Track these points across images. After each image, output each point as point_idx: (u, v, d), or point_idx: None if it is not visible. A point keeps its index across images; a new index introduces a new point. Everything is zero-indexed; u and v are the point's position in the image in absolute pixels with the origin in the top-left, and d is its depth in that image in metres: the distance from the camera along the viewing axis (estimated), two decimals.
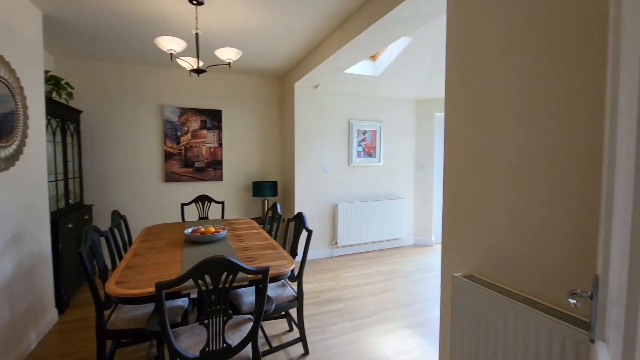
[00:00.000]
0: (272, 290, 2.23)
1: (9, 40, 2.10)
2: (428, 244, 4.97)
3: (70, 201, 3.28)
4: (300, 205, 4.20)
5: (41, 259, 2.46)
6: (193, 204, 4.11)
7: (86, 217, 3.43)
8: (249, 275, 1.67)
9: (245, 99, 4.44)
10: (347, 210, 4.39)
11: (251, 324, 1.70)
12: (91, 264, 1.84)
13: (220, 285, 1.41)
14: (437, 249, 4.79)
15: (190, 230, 2.39)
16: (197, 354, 1.45)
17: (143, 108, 3.96)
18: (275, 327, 2.58)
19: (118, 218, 2.54)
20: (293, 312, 2.73)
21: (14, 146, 2.11)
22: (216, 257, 1.35)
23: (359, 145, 4.59)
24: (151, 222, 4.01)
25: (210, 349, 1.43)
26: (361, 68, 4.00)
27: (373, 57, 4.12)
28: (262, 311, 1.50)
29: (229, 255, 2.00)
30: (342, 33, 2.74)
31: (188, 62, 2.51)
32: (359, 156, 4.59)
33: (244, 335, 1.58)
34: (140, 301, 1.54)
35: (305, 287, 3.33)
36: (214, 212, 4.28)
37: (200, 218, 3.45)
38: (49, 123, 2.81)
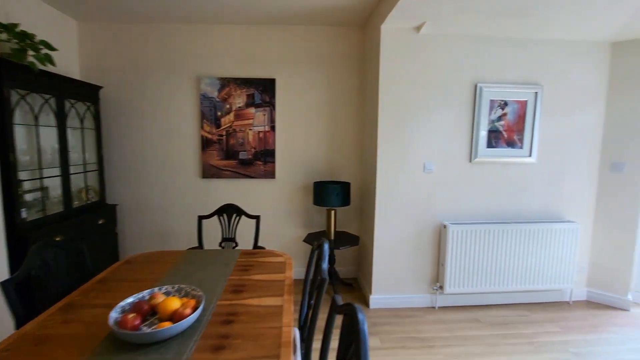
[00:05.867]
0: None
1: None
2: (617, 304, 2.75)
3: (77, 202, 2.56)
4: (382, 221, 2.65)
5: None
6: (215, 218, 2.53)
7: (101, 221, 2.70)
8: None
9: (308, 61, 3.05)
10: (463, 235, 2.61)
11: None
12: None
13: None
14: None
15: (123, 308, 1.16)
16: None
17: (174, 81, 3.01)
18: None
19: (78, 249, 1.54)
20: None
21: None
22: None
23: (493, 127, 2.68)
24: (183, 233, 3.12)
25: None
26: None
27: None
28: None
29: None
30: None
31: None
32: (490, 146, 2.69)
33: None
34: None
35: None
36: (247, 228, 3.04)
37: (224, 239, 2.31)
38: (19, 100, 1.99)
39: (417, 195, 2.66)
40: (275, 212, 3.17)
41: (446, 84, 2.59)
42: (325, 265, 1.30)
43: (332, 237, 2.91)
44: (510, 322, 2.48)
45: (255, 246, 2.25)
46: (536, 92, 2.65)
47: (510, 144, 2.72)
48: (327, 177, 3.18)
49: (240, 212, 2.32)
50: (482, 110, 2.64)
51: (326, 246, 1.40)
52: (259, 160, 3.11)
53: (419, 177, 2.65)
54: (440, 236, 2.71)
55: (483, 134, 2.67)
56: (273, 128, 3.09)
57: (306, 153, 3.15)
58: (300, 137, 3.13)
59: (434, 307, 2.72)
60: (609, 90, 2.73)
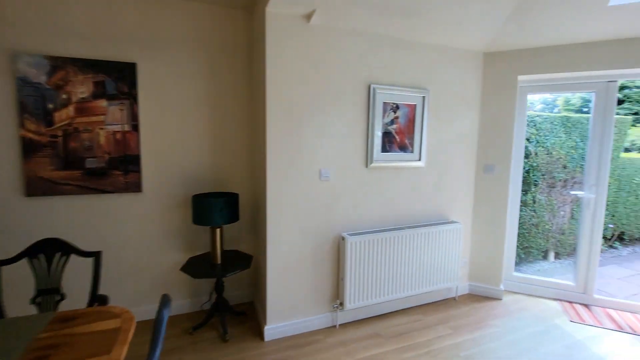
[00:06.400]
0: None
1: None
2: (493, 294, 3.02)
3: None
4: (276, 237, 2.30)
5: None
6: (26, 261, 1.64)
7: None
8: None
9: (184, 45, 2.48)
10: (361, 246, 2.46)
11: None
12: None
13: None
14: (511, 303, 2.86)
15: None
16: None
17: None
18: None
19: None
20: None
21: None
22: None
23: (387, 131, 2.60)
24: None
25: None
26: None
27: None
28: None
29: None
30: None
31: None
32: (385, 150, 2.61)
33: None
34: None
35: None
36: (84, 270, 1.86)
37: (39, 293, 1.59)
38: None
39: (314, 205, 2.39)
40: (145, 235, 2.50)
41: (340, 84, 2.38)
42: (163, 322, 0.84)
43: (219, 261, 2.43)
44: (407, 331, 2.44)
45: (94, 298, 1.61)
46: (424, 97, 2.68)
47: (403, 148, 2.69)
48: (213, 187, 2.67)
49: (68, 248, 1.63)
50: (377, 112, 2.52)
51: (165, 315, 0.94)
52: (117, 170, 2.39)
53: (315, 186, 2.38)
54: (339, 249, 2.51)
55: (378, 136, 2.56)
56: (136, 127, 2.41)
57: (184, 159, 2.56)
58: (176, 139, 2.53)
59: (335, 326, 2.50)
60: (481, 97, 2.95)
